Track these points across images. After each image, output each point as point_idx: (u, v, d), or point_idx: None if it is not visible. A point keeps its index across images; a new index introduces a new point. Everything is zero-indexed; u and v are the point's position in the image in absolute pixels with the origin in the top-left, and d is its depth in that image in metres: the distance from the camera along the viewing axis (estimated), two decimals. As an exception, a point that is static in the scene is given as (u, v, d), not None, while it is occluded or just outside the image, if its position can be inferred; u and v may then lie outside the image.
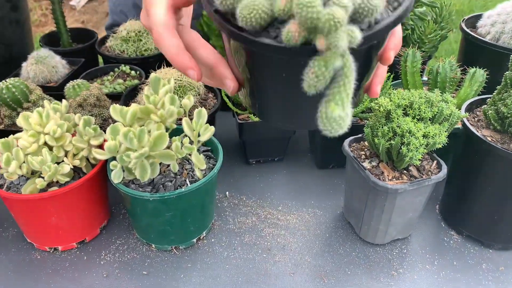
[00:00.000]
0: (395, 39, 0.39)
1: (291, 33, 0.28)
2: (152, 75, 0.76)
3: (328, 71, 0.28)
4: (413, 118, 0.72)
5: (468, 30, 1.01)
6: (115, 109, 0.75)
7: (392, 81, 0.95)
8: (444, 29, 1.02)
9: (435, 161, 0.76)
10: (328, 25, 0.26)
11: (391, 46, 0.38)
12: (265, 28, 0.31)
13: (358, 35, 0.27)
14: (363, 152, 0.79)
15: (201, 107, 0.97)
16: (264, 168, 0.99)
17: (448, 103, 0.72)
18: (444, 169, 0.74)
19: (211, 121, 0.93)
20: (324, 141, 0.93)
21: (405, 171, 0.75)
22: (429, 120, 0.71)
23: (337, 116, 0.29)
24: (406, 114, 0.72)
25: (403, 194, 0.71)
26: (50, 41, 1.26)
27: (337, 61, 0.27)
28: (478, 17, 1.06)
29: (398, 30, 0.40)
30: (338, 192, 0.92)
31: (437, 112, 0.71)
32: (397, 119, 0.71)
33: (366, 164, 0.76)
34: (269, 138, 0.96)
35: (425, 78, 0.98)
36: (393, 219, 0.75)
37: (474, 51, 1.00)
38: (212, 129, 0.74)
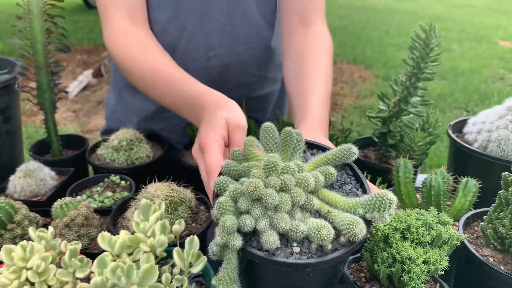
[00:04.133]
0: None
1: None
2: (143, 201, 0.74)
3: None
4: (412, 242, 0.70)
5: (454, 137, 1.03)
6: (103, 238, 0.72)
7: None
8: (432, 135, 1.04)
9: (438, 284, 0.73)
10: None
11: None
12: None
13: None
14: (362, 274, 0.76)
15: (193, 222, 0.94)
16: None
17: (445, 225, 0.71)
18: (449, 294, 0.71)
19: (203, 237, 0.90)
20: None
21: (408, 297, 0.71)
22: (428, 244, 0.70)
23: None
24: (404, 237, 0.71)
25: (408, 324, 0.67)
26: (40, 149, 1.25)
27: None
28: (464, 122, 1.08)
29: None
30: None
31: (435, 236, 0.69)
32: (396, 244, 0.69)
33: (366, 290, 0.72)
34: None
35: (418, 184, 0.98)
36: None
37: (463, 158, 1.01)
38: (204, 259, 0.71)
